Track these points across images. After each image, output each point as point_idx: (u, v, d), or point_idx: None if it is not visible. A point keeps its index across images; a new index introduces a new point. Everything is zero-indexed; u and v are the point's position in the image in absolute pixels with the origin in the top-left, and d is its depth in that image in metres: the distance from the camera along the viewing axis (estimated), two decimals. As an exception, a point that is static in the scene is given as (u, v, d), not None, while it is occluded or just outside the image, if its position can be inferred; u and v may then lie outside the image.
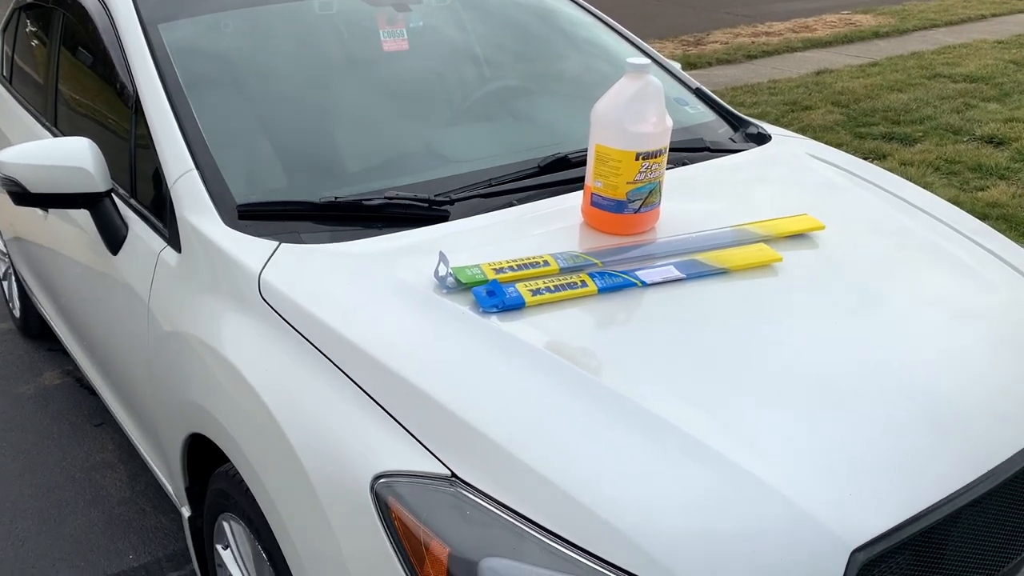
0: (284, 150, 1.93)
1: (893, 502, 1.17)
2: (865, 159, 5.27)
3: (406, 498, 1.17)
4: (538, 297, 1.44)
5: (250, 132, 1.95)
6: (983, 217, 4.23)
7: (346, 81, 2.13)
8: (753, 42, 9.02)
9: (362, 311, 1.43)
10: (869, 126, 5.90)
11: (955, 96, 6.62)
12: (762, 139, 2.27)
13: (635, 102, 1.58)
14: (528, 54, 2.52)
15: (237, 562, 1.68)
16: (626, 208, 1.63)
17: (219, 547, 1.75)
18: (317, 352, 1.39)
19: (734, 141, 2.26)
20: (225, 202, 1.72)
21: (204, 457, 1.74)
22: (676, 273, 1.52)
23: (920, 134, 5.69)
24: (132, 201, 1.99)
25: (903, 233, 1.79)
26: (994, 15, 10.64)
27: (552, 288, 1.46)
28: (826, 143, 5.52)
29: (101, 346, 2.23)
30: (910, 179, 4.74)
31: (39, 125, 2.66)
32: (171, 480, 1.94)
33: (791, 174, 2.04)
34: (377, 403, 1.29)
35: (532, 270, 1.51)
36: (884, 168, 4.98)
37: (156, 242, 1.83)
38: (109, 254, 1.96)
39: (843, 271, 1.60)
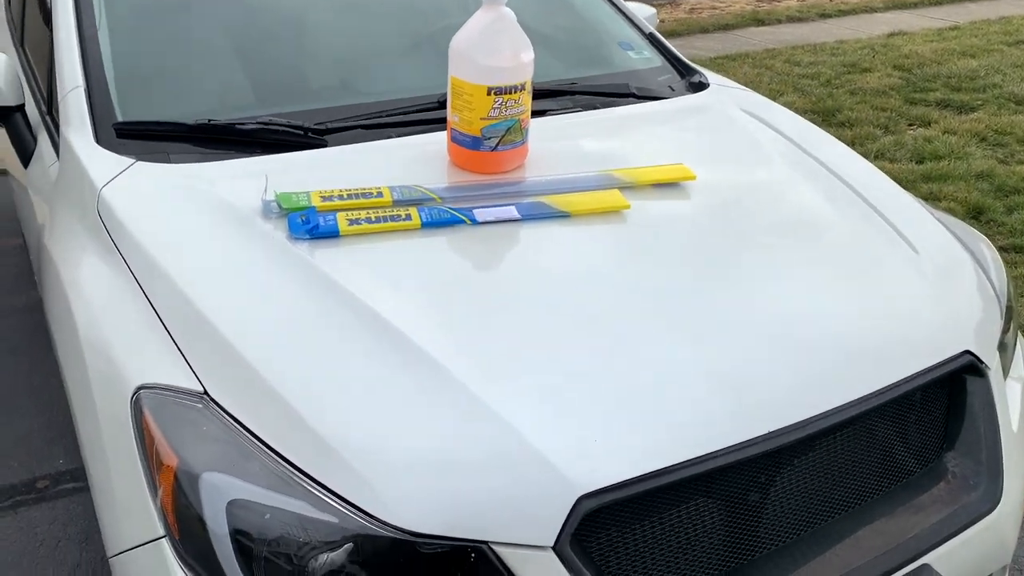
0: (186, 71, 1.93)
1: (637, 453, 1.12)
2: (909, 126, 5.01)
3: (156, 410, 1.19)
4: (355, 227, 1.41)
5: (157, 53, 1.95)
6: (1014, 191, 3.96)
7: (253, 11, 2.12)
8: (832, 0, 8.60)
9: (178, 231, 1.44)
10: (926, 91, 5.57)
11: (1031, 64, 6.19)
12: (700, 88, 2.16)
13: (489, 34, 1.52)
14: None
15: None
16: (482, 145, 1.58)
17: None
18: (126, 266, 1.40)
19: (672, 89, 2.16)
20: (106, 121, 1.74)
21: None
22: (513, 214, 1.48)
23: (979, 103, 5.35)
24: (47, 117, 2.04)
25: (787, 195, 1.68)
26: (1106, -19, 9.84)
27: (373, 219, 1.43)
28: (872, 107, 5.27)
29: (34, 258, 2.32)
30: (948, 148, 4.48)
31: (11, 44, 2.75)
32: None
33: (700, 124, 1.94)
34: (159, 318, 1.30)
35: (362, 200, 1.48)
36: (926, 135, 4.72)
37: (51, 157, 1.87)
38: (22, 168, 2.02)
39: (687, 225, 1.52)
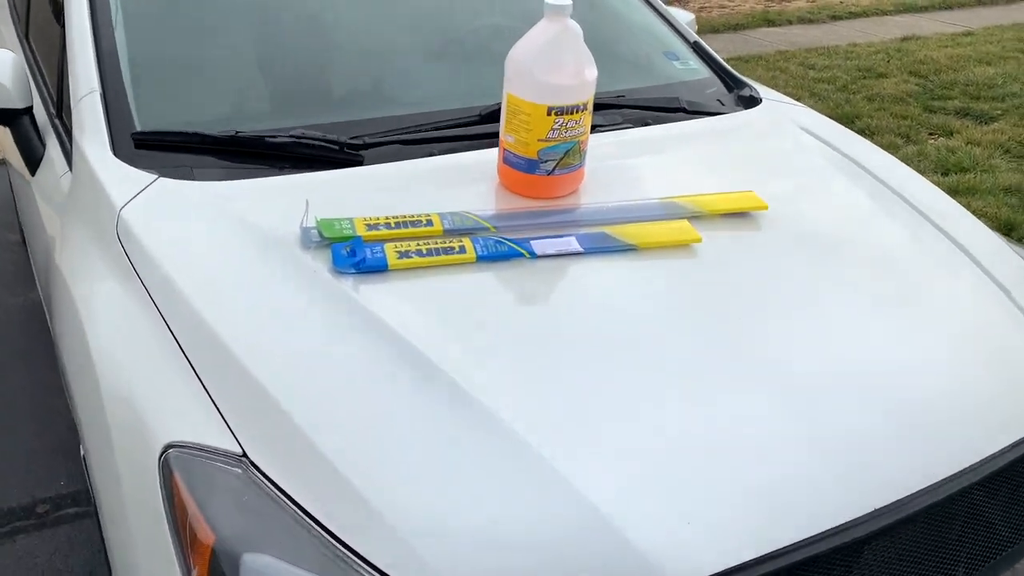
0: (210, 75, 1.79)
1: (739, 537, 0.99)
2: (931, 135, 4.90)
3: (188, 474, 1.05)
4: (405, 260, 1.28)
5: (178, 60, 1.82)
6: (1045, 209, 3.86)
7: (291, 13, 1.98)
8: (842, 2, 8.49)
9: (209, 262, 1.30)
10: (944, 99, 5.46)
11: (1050, 73, 6.09)
12: (752, 103, 2.03)
13: (551, 49, 1.39)
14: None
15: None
16: (538, 168, 1.45)
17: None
18: (150, 300, 1.26)
19: (722, 104, 2.03)
20: (123, 130, 1.60)
21: None
22: (575, 246, 1.35)
23: (999, 112, 5.24)
24: (56, 120, 1.89)
25: (866, 229, 1.56)
26: (1117, -12, 9.76)
27: (424, 251, 1.30)
28: (892, 114, 5.15)
29: (39, 269, 2.17)
30: (972, 159, 4.37)
31: (14, 36, 2.59)
32: None
33: (760, 145, 1.81)
34: (191, 364, 1.16)
35: (411, 229, 1.35)
36: (949, 145, 4.61)
37: (61, 165, 1.73)
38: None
39: (765, 262, 1.39)
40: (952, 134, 4.81)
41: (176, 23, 1.85)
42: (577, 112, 1.42)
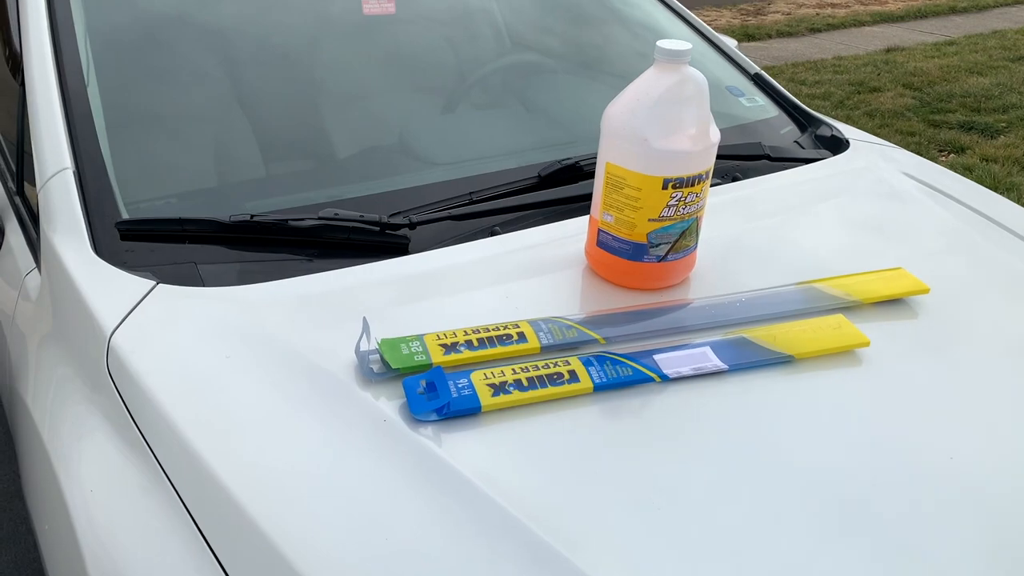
0: (210, 149, 1.46)
1: None
2: (941, 152, 4.68)
3: None
4: (501, 398, 0.95)
5: (167, 123, 1.47)
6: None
7: (306, 57, 1.65)
8: (818, 14, 8.35)
9: (236, 409, 0.96)
10: (945, 113, 5.27)
11: (1044, 82, 5.94)
12: (837, 145, 1.74)
13: (666, 105, 1.07)
14: (553, 25, 2.01)
15: None
16: (647, 255, 1.14)
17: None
18: (155, 462, 0.93)
19: (802, 147, 1.74)
20: (104, 217, 1.26)
21: None
22: (714, 361, 1.03)
23: (1004, 124, 5.06)
24: (16, 200, 1.54)
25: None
26: (1085, -8, 9.77)
27: (524, 383, 0.97)
28: (897, 131, 4.93)
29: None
30: (992, 177, 4.15)
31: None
32: None
33: (878, 201, 1.52)
34: (212, 551, 0.83)
35: (500, 348, 1.02)
36: (964, 163, 4.39)
37: (25, 260, 1.38)
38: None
39: (953, 370, 1.08)
40: (963, 150, 4.60)
41: (164, 75, 1.51)
42: (698, 183, 1.11)
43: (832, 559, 0.81)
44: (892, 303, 1.17)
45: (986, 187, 4.36)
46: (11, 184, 1.58)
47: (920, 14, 8.49)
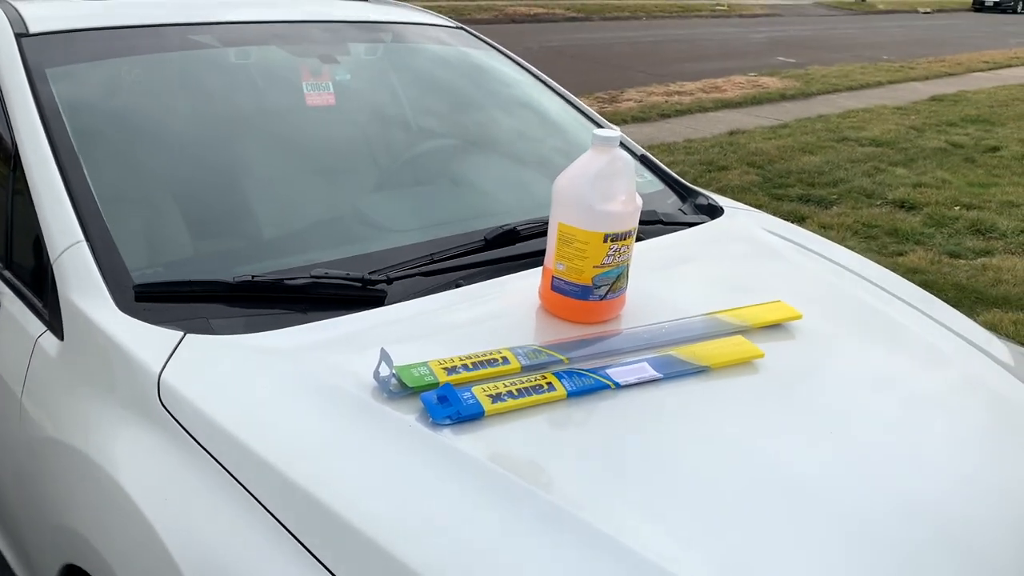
0: (193, 218, 1.68)
1: None
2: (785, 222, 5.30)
3: None
4: (499, 404, 1.22)
5: (153, 197, 1.69)
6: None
7: (265, 138, 1.90)
8: (666, 101, 9.13)
9: (288, 425, 1.19)
10: (785, 187, 5.95)
11: (864, 159, 6.78)
12: (714, 211, 2.13)
13: (603, 178, 1.40)
14: (465, 112, 2.34)
15: None
16: (591, 295, 1.44)
17: None
18: (230, 477, 1.13)
19: (684, 213, 2.12)
20: (119, 281, 1.46)
21: None
22: (651, 372, 1.34)
23: (835, 196, 5.76)
24: (6, 273, 1.70)
25: (873, 318, 1.66)
26: (891, 82, 11.12)
27: (515, 392, 1.25)
28: (746, 204, 5.54)
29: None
30: (832, 242, 4.75)
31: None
32: None
33: (753, 252, 1.90)
34: (302, 544, 1.05)
35: (490, 369, 1.30)
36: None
37: (33, 325, 1.54)
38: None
39: (827, 375, 1.45)
40: (803, 219, 5.22)
41: (148, 148, 1.73)
42: (628, 237, 1.43)
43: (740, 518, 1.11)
44: (775, 327, 1.52)
45: (826, 249, 4.82)
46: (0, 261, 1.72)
47: (755, 100, 9.44)
